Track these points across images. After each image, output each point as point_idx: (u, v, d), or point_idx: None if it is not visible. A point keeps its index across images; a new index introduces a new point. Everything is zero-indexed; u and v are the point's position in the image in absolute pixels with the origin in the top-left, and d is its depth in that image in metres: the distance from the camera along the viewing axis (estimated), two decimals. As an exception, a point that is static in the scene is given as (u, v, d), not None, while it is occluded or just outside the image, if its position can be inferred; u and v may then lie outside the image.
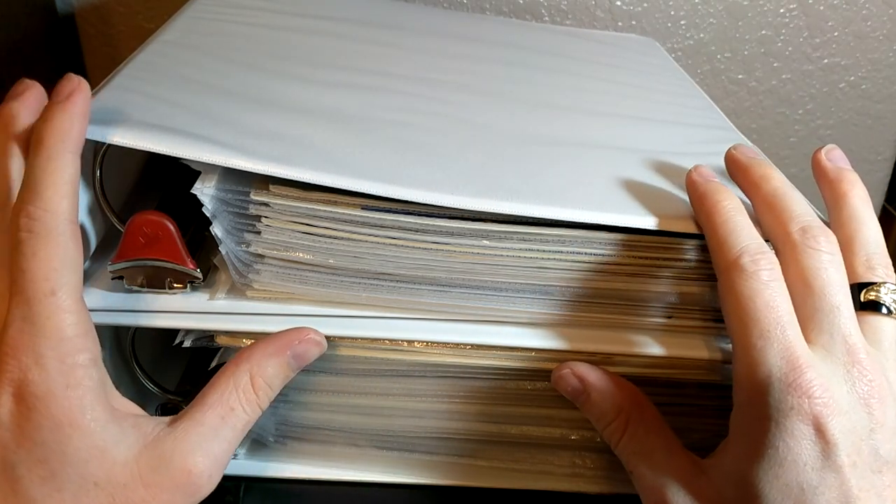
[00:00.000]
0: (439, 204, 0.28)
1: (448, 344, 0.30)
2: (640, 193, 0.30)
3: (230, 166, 0.27)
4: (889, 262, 0.28)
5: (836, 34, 0.65)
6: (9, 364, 0.23)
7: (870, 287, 0.27)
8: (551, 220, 0.28)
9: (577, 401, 0.30)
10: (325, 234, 0.28)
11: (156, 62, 0.35)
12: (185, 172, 0.28)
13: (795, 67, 0.67)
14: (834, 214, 0.29)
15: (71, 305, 0.24)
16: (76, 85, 0.26)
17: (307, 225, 0.28)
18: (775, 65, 0.67)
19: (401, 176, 0.28)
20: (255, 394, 0.28)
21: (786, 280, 0.27)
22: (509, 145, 0.33)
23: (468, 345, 0.30)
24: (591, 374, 0.30)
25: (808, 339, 0.26)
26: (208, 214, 0.28)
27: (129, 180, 0.33)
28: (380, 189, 0.27)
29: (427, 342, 0.30)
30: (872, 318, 0.27)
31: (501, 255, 0.29)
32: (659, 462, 0.28)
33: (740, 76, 0.67)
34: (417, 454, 0.34)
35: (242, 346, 0.30)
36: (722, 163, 0.32)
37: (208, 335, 0.31)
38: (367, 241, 0.28)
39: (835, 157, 0.30)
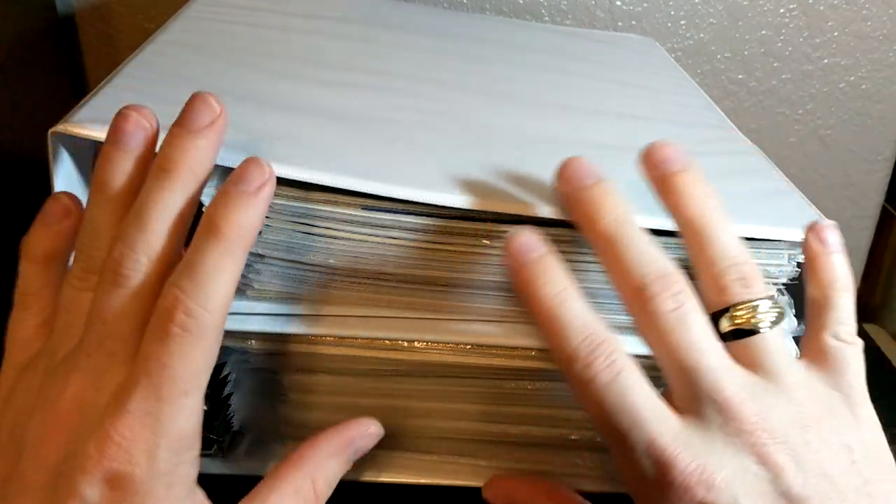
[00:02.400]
0: (439, 204, 0.28)
1: (448, 344, 0.30)
2: (641, 193, 0.30)
3: (230, 166, 0.27)
4: (746, 269, 0.24)
5: (836, 34, 0.65)
6: (123, 454, 0.21)
7: (724, 313, 0.24)
8: (551, 220, 0.28)
9: None
10: (325, 234, 0.28)
11: (156, 62, 0.35)
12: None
13: (795, 67, 0.67)
14: (680, 230, 0.26)
15: (198, 407, 0.23)
16: (267, 177, 0.24)
17: (307, 225, 0.28)
18: (775, 65, 0.67)
19: (401, 176, 0.28)
20: (316, 496, 0.27)
21: (648, 343, 0.24)
22: (509, 145, 0.33)
23: (468, 345, 0.30)
24: (522, 487, 0.31)
25: (680, 409, 0.24)
26: (208, 214, 0.28)
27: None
28: (380, 189, 0.27)
29: (427, 342, 0.30)
30: (745, 344, 0.24)
31: (501, 255, 0.29)
32: None
33: (740, 76, 0.67)
34: (418, 454, 0.34)
35: (242, 346, 0.30)
36: (719, 164, 0.31)
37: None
38: (367, 241, 0.28)
39: (663, 155, 0.26)
